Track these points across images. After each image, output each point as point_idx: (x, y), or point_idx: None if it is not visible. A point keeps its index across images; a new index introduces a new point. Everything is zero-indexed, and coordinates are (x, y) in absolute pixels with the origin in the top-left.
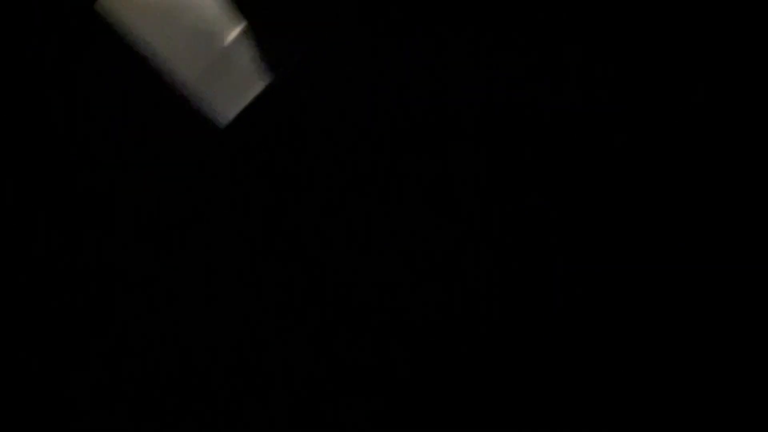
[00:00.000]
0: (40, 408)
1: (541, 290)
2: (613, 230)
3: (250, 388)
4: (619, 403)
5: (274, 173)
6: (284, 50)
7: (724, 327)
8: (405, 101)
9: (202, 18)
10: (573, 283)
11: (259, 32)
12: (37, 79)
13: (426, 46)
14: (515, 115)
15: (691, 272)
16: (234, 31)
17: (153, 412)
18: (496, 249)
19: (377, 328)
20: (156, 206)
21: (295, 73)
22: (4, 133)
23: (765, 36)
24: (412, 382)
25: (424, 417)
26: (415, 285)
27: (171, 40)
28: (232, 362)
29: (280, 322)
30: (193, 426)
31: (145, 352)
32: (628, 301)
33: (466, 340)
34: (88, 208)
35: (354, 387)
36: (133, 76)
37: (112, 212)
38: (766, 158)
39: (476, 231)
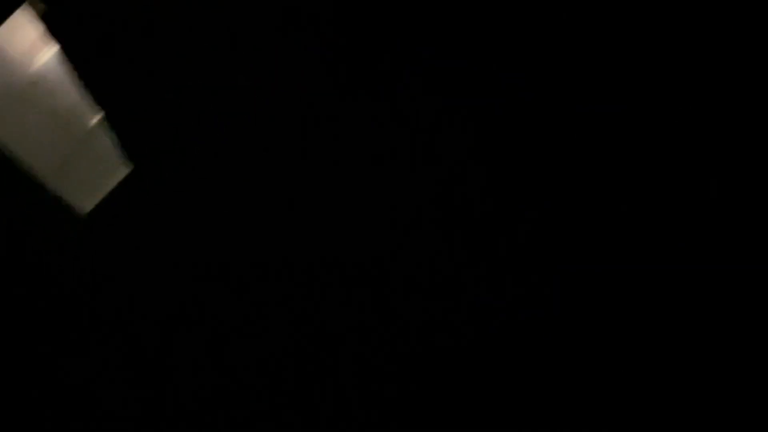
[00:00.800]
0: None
1: (542, 291)
2: (613, 230)
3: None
4: (619, 403)
5: (137, 259)
6: (144, 135)
7: (724, 327)
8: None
9: (59, 105)
10: (573, 283)
11: (118, 119)
12: None
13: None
14: (513, 115)
15: (690, 272)
16: (94, 118)
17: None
18: (496, 249)
19: (375, 327)
20: (25, 298)
21: (157, 158)
22: None
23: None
24: (411, 382)
25: (424, 417)
26: (412, 287)
27: (25, 127)
28: None
29: None
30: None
31: None
32: (628, 302)
33: (467, 340)
34: None
35: (356, 386)
36: None
37: None
38: (766, 158)
39: (476, 232)
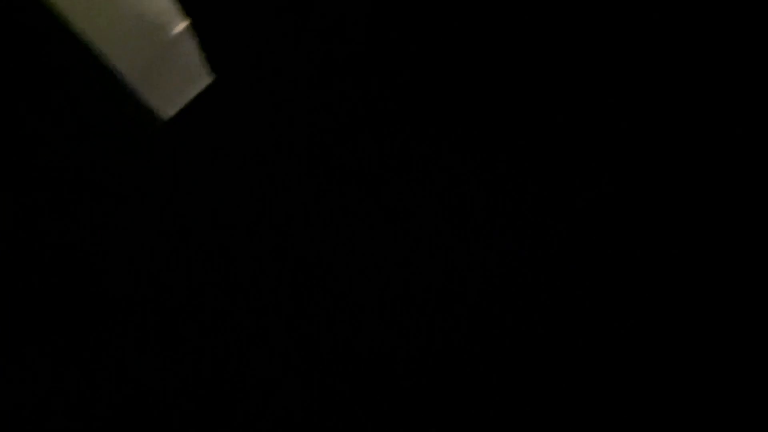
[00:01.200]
0: None
1: (542, 288)
2: (616, 229)
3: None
4: (619, 404)
5: (216, 168)
6: (228, 46)
7: (724, 326)
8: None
9: (147, 10)
10: (573, 283)
11: (204, 28)
12: None
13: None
14: (513, 116)
15: (690, 270)
16: (180, 26)
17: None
18: (496, 246)
19: (373, 321)
20: (100, 198)
21: (239, 70)
22: None
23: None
24: (408, 382)
25: (422, 416)
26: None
27: (113, 29)
28: None
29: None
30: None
31: None
32: (628, 301)
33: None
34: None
35: (356, 383)
36: (72, 65)
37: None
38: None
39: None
